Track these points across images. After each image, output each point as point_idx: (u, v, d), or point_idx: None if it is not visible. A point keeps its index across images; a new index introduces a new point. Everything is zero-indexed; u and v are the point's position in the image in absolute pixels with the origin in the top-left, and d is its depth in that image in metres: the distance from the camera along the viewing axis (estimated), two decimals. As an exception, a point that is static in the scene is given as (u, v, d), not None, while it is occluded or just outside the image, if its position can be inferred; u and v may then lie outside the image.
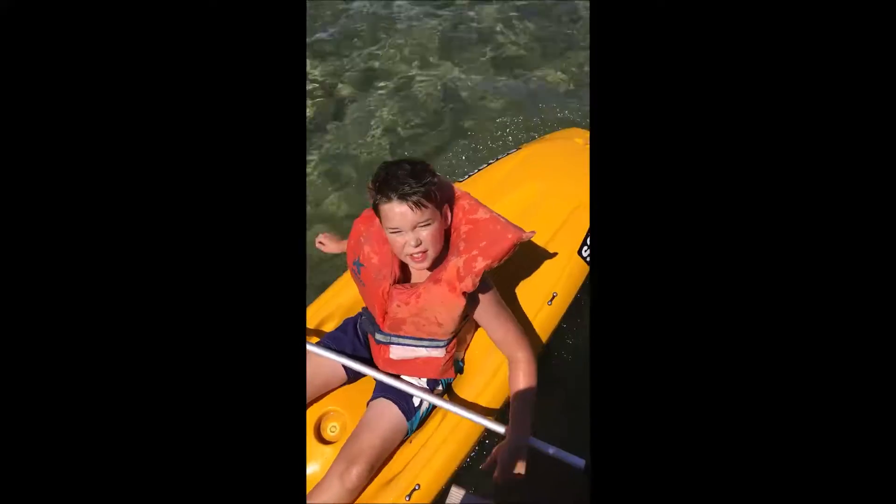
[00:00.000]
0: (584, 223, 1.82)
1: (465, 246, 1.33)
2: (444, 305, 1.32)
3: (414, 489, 1.38)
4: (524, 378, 1.36)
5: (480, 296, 1.36)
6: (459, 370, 1.57)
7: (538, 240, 1.75)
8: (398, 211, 1.25)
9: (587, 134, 2.13)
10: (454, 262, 1.32)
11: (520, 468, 1.26)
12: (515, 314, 1.46)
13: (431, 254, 1.31)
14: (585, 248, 1.78)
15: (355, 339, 1.56)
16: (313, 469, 1.47)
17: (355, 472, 1.33)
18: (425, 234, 1.28)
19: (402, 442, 1.46)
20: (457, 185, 1.47)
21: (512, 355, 1.39)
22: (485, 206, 1.41)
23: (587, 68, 3.06)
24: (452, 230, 1.38)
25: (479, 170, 2.01)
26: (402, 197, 1.23)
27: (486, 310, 1.38)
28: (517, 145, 2.15)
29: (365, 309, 1.52)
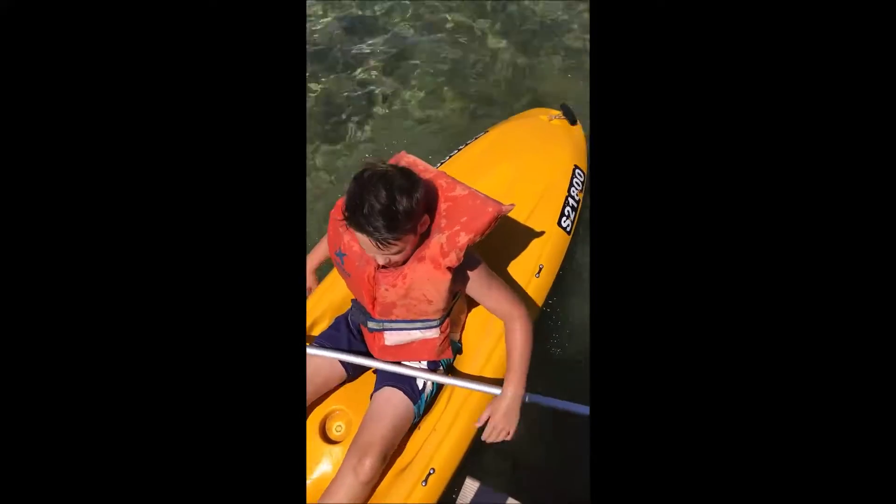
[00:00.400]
0: (559, 196, 1.84)
1: (446, 223, 1.33)
2: (430, 282, 1.32)
3: (429, 474, 1.37)
4: (520, 335, 1.37)
5: (470, 272, 1.36)
6: (458, 350, 1.57)
7: (518, 216, 1.76)
8: (365, 240, 1.23)
9: (551, 111, 2.16)
10: (437, 239, 1.31)
11: (512, 423, 1.26)
12: None
13: (401, 263, 1.31)
14: (564, 218, 1.80)
15: (349, 334, 1.54)
16: (322, 470, 1.45)
17: (368, 464, 1.31)
18: (396, 258, 1.28)
19: (412, 428, 1.45)
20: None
21: (508, 318, 1.40)
22: (462, 183, 1.41)
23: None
24: (435, 207, 1.37)
25: (449, 156, 2.02)
26: (369, 235, 1.21)
27: (479, 283, 1.38)
28: (484, 128, 2.17)
29: (354, 301, 1.50)
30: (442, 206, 1.36)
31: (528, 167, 1.91)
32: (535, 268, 1.69)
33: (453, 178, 1.42)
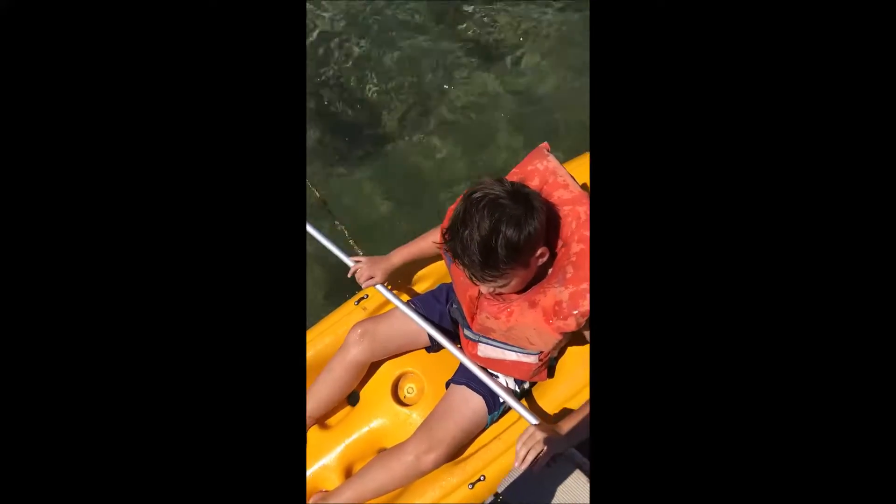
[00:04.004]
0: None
1: (573, 274, 1.10)
2: (537, 332, 1.16)
3: (479, 479, 1.38)
4: None
5: None
6: (550, 374, 1.46)
7: None
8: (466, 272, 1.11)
9: None
10: (556, 292, 1.11)
11: (550, 449, 1.10)
12: None
13: (512, 293, 1.15)
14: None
15: (446, 310, 1.47)
16: (381, 422, 1.51)
17: (432, 458, 1.33)
18: (502, 290, 1.12)
19: (480, 433, 1.44)
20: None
21: None
22: None
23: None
24: (561, 243, 1.15)
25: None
26: (463, 266, 1.07)
27: None
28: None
29: (454, 293, 1.41)
30: (573, 247, 1.12)
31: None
32: None
33: None
